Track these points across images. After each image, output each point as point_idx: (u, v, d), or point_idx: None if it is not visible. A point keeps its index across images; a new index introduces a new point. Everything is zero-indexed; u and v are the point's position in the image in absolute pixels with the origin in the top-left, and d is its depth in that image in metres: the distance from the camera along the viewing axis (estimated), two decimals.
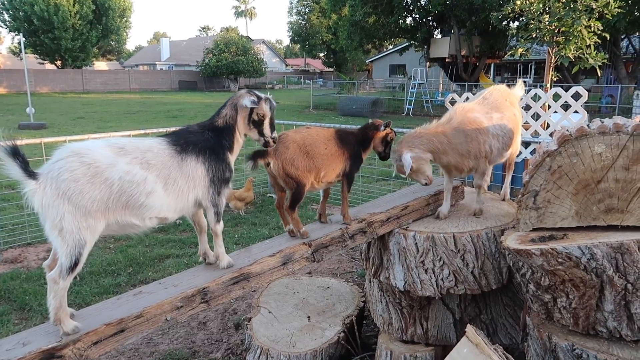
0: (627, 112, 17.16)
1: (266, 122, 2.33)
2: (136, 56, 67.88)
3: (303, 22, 54.20)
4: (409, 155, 2.65)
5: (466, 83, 21.75)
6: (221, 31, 68.74)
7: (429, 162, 2.73)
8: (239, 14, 75.36)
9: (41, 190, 1.80)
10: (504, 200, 3.28)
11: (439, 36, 26.35)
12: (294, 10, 55.48)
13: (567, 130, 2.48)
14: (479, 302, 2.86)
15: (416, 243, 2.71)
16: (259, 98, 2.30)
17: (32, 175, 1.80)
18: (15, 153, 1.77)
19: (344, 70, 47.71)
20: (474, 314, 2.86)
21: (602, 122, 2.42)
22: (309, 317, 3.25)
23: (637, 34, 20.79)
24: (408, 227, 2.83)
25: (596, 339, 2.21)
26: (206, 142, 2.22)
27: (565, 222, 2.41)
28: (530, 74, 24.65)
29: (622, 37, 20.74)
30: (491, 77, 33.47)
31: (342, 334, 3.04)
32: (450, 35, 24.34)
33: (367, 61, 48.15)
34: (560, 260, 2.16)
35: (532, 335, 2.41)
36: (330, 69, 55.11)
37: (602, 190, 2.32)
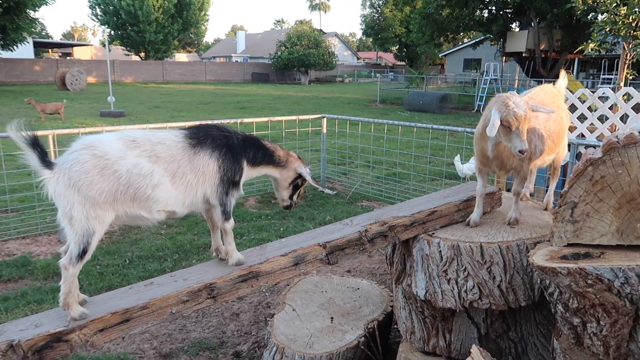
0: None
1: (298, 192, 2.52)
2: (214, 48, 70.52)
3: (376, 15, 53.60)
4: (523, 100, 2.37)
5: (544, 79, 20.46)
6: (295, 24, 69.58)
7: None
8: (313, 7, 76.05)
9: (55, 179, 1.89)
10: (546, 209, 3.03)
11: (517, 29, 24.96)
12: (367, 3, 55.01)
13: (616, 137, 2.23)
14: (508, 318, 2.66)
15: (440, 251, 2.56)
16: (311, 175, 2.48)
17: (48, 165, 1.89)
18: (34, 144, 1.86)
19: (417, 64, 46.65)
20: (501, 330, 2.66)
21: None
22: (332, 318, 3.20)
23: None
24: (434, 233, 2.68)
25: None
26: (229, 141, 2.23)
27: (605, 239, 2.17)
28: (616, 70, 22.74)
29: None
30: (574, 73, 31.30)
31: (363, 339, 2.96)
32: (529, 28, 22.96)
33: (440, 55, 46.75)
34: (589, 282, 1.94)
35: None
36: (402, 63, 54.14)
37: None
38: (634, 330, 1.91)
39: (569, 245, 2.26)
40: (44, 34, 61.13)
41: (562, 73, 2.97)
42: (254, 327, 3.83)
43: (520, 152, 2.33)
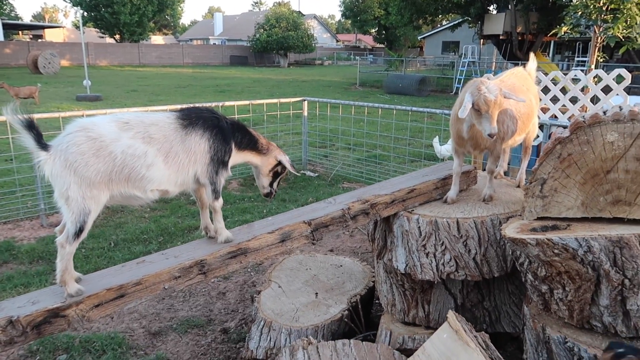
0: None
1: (278, 180, 2.61)
2: (190, 31, 69.25)
3: None
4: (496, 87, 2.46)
5: (521, 62, 20.76)
6: (273, 6, 68.70)
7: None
8: None
9: (51, 161, 1.95)
10: (518, 186, 3.19)
11: (494, 12, 25.17)
12: None
13: (582, 117, 2.38)
14: (483, 288, 2.83)
15: (419, 227, 2.70)
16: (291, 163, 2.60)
17: (44, 147, 1.95)
18: (30, 126, 1.93)
19: (396, 46, 46.69)
20: (476, 300, 2.83)
21: (620, 110, 2.30)
22: (316, 293, 3.33)
23: None
24: (413, 210, 2.82)
25: (590, 333, 2.15)
26: (219, 122, 2.32)
27: (571, 213, 2.33)
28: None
29: None
30: (550, 55, 31.78)
31: (347, 312, 3.10)
32: (506, 10, 23.19)
33: (419, 38, 46.84)
34: (556, 251, 2.10)
35: (527, 326, 2.37)
36: (381, 46, 54.09)
37: (610, 181, 2.23)
38: (595, 295, 2.08)
39: (539, 218, 2.42)
40: (13, 15, 59.08)
41: (532, 56, 3.10)
42: (240, 305, 3.94)
43: (490, 135, 2.45)
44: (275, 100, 7.75)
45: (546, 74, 4.99)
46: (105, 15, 40.45)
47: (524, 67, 3.07)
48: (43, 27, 50.61)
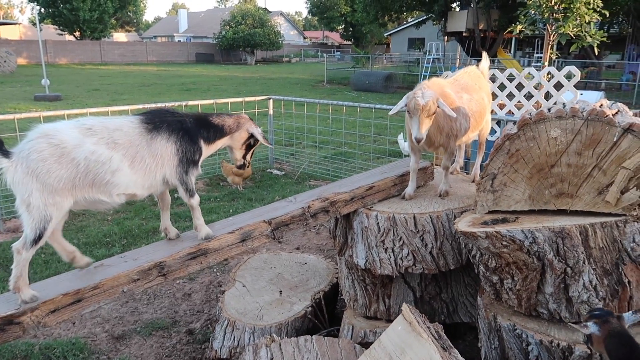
0: None
1: (252, 151, 2.63)
2: (154, 27, 67.85)
3: None
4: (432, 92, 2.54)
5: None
6: (239, 2, 68.02)
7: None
8: None
9: (13, 168, 1.94)
10: (473, 181, 3.30)
11: (457, 9, 25.68)
12: None
13: (529, 114, 2.49)
14: (440, 281, 2.92)
15: (378, 223, 2.77)
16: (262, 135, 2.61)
17: (5, 154, 1.94)
18: None
19: (362, 43, 46.99)
20: (434, 293, 2.93)
21: (563, 107, 2.42)
22: (280, 291, 3.36)
23: None
24: (372, 207, 2.88)
25: (537, 320, 2.26)
26: (183, 124, 2.34)
27: (519, 206, 2.44)
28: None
29: None
30: (512, 52, 32.61)
31: (310, 309, 3.15)
32: (468, 8, 23.71)
33: (385, 35, 47.29)
34: (504, 243, 2.20)
35: (480, 315, 2.47)
36: (348, 42, 54.35)
37: (554, 175, 2.34)
38: (540, 283, 2.20)
39: (491, 212, 2.52)
40: None
41: (485, 55, 3.21)
42: (205, 305, 3.94)
43: (415, 139, 2.53)
44: (240, 99, 7.72)
45: (506, 69, 5.16)
46: (64, 12, 39.09)
47: (477, 65, 3.18)
48: None
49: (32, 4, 41.13)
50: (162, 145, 2.23)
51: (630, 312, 1.73)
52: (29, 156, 1.94)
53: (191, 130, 2.35)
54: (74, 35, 42.51)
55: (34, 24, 46.81)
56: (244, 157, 2.61)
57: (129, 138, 2.16)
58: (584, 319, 1.81)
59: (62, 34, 43.55)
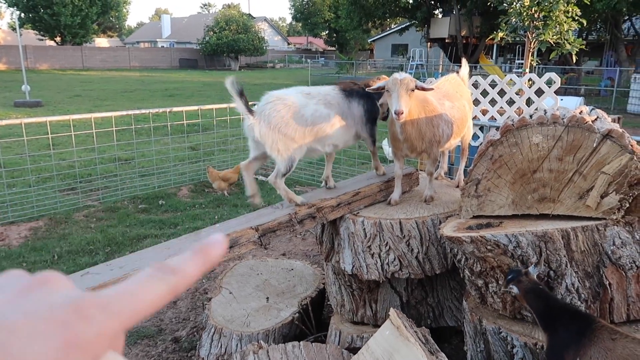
0: (626, 96, 17.03)
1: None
2: (137, 33, 67.31)
3: (305, 0, 53.54)
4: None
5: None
6: (222, 8, 67.92)
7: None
8: None
9: (258, 124, 2.53)
10: (458, 187, 3.35)
11: (440, 16, 26.02)
12: None
13: (512, 120, 2.54)
14: (426, 285, 2.95)
15: (364, 228, 2.79)
16: None
17: (251, 112, 2.53)
18: (241, 94, 2.49)
19: (346, 49, 47.28)
20: (420, 297, 2.96)
21: (544, 113, 2.48)
22: (267, 298, 3.36)
23: (639, 15, 20.49)
24: (359, 212, 2.91)
25: (522, 323, 2.30)
26: (366, 92, 2.87)
27: (503, 210, 2.48)
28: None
29: (624, 18, 20.45)
30: (493, 58, 33.14)
31: (297, 315, 3.15)
32: (451, 15, 24.05)
33: (369, 41, 47.67)
34: (489, 247, 2.24)
35: (466, 319, 2.50)
36: (332, 48, 54.62)
37: (537, 180, 2.39)
38: None
39: (475, 217, 2.56)
40: None
41: (464, 62, 3.27)
42: (191, 313, 3.91)
43: (395, 112, 2.54)
44: (225, 105, 7.70)
45: (489, 75, 5.25)
46: (45, 17, 38.58)
47: (457, 73, 3.23)
48: None
49: (11, 8, 40.44)
50: (357, 108, 2.80)
51: (532, 265, 2.08)
52: (270, 114, 2.51)
53: (371, 96, 2.87)
54: (55, 41, 41.95)
55: (14, 29, 46.17)
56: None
57: (337, 100, 2.73)
58: (503, 284, 2.13)
59: (42, 39, 42.95)
